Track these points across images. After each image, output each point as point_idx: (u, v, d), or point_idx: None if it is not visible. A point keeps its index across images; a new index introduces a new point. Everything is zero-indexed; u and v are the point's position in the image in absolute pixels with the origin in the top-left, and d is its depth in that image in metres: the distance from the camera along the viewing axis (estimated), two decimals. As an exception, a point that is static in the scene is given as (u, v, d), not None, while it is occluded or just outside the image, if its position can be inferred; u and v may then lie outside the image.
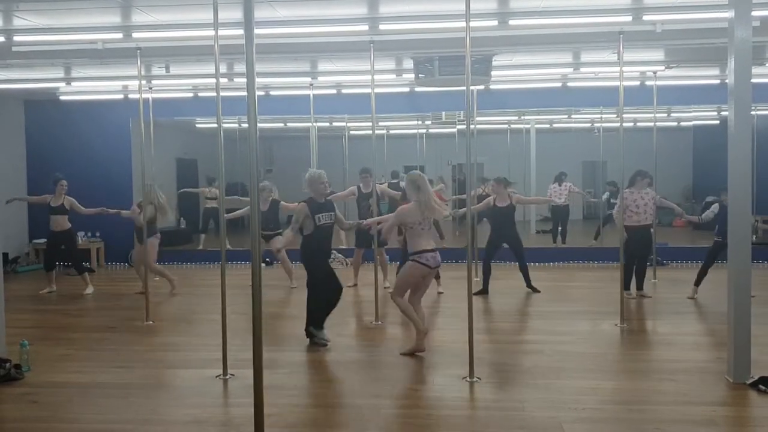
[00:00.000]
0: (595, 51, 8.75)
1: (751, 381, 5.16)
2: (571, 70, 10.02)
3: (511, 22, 6.97)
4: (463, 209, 7.49)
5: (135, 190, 11.73)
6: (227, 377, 5.56)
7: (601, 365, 5.95)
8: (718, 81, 11.02)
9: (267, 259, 11.69)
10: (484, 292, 9.02)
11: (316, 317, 6.54)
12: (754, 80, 5.20)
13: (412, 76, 9.03)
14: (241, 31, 3.69)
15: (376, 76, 7.54)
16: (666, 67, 9.88)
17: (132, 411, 4.88)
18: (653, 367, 5.89)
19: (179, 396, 5.25)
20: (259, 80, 7.27)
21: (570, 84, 11.03)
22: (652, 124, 10.58)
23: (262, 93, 11.17)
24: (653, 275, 9.88)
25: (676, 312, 7.96)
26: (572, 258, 12.24)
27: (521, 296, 9.01)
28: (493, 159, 13.65)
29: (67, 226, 9.75)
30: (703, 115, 14.46)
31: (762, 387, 5.06)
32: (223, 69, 8.72)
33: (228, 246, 12.33)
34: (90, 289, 9.74)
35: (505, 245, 9.24)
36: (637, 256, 8.57)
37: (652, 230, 8.95)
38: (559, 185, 13.31)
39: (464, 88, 5.48)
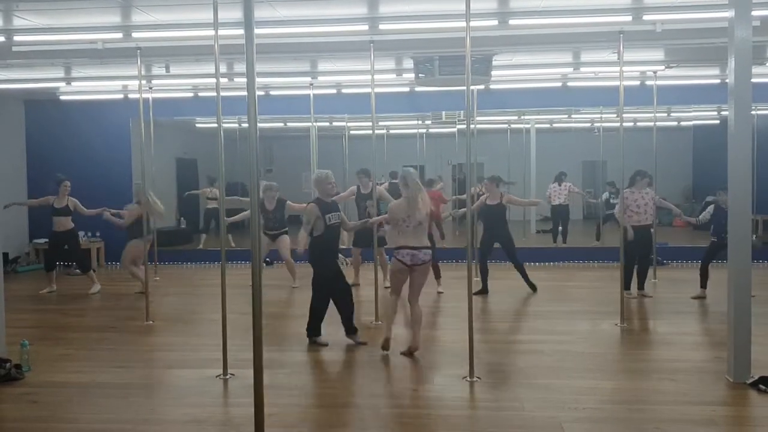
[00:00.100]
0: (595, 51, 8.76)
1: (751, 381, 5.17)
2: (571, 69, 10.01)
3: (511, 22, 6.97)
4: (463, 209, 7.49)
5: (135, 190, 11.72)
6: (227, 377, 5.56)
7: (601, 365, 5.95)
8: (718, 81, 11.03)
9: (267, 259, 11.69)
10: (484, 291, 9.02)
11: (314, 324, 6.60)
12: (754, 80, 5.20)
13: (412, 75, 9.01)
14: (241, 31, 3.69)
15: (376, 76, 7.54)
16: (666, 67, 9.88)
17: (132, 411, 4.89)
18: (653, 367, 5.89)
19: (179, 396, 5.25)
20: (259, 80, 7.27)
21: (570, 84, 11.04)
22: (652, 123, 10.57)
23: (262, 93, 11.18)
24: (653, 275, 9.87)
25: (676, 312, 7.97)
26: (572, 258, 12.24)
27: (521, 296, 9.01)
28: (493, 159, 13.63)
29: (70, 227, 9.74)
30: (703, 115, 14.43)
31: (762, 387, 5.07)
32: (223, 69, 8.72)
33: (232, 245, 12.39)
34: (97, 287, 9.71)
35: (497, 245, 9.22)
36: (637, 255, 8.58)
37: (652, 230, 8.96)
38: (559, 185, 13.32)
39: (464, 87, 5.49)
